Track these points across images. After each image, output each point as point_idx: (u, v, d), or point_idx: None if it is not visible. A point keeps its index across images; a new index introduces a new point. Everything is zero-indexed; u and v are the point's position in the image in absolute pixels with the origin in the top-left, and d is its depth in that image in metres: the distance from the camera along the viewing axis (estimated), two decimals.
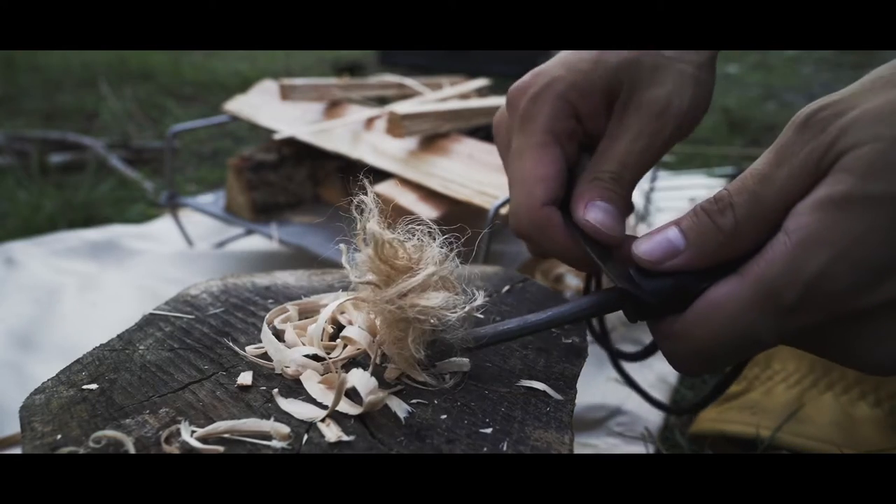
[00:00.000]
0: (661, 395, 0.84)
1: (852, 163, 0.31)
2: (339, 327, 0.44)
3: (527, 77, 0.46)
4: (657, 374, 0.88)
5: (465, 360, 0.41)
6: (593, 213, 0.42)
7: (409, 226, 0.39)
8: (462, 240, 0.39)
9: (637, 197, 1.46)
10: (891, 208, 0.30)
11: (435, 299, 0.36)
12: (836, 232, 0.31)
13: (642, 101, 0.44)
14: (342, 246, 0.39)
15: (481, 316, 0.47)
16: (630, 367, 0.88)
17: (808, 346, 0.36)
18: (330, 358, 0.40)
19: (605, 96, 0.45)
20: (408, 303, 0.36)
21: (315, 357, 0.40)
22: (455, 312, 0.37)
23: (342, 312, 0.45)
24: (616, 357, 0.66)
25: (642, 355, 0.61)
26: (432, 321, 0.37)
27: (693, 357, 0.37)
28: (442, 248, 0.38)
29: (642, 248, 0.38)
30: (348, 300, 0.43)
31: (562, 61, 0.45)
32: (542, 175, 0.44)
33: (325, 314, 0.42)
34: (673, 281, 0.37)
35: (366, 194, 0.38)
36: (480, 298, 0.39)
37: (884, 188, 0.30)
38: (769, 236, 0.34)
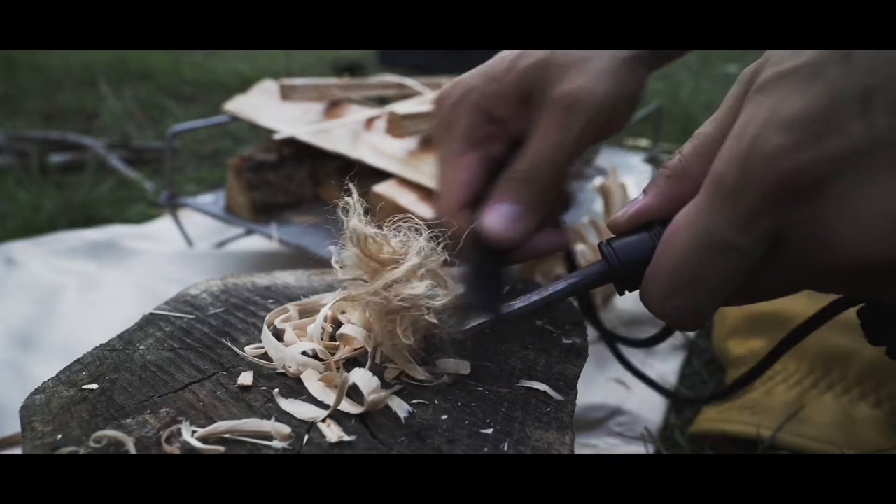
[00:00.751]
0: (660, 395, 0.84)
1: (769, 59, 0.32)
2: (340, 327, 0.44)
3: (447, 87, 0.49)
4: (657, 374, 0.88)
5: (466, 362, 0.41)
6: (489, 218, 0.45)
7: (397, 222, 0.39)
8: (449, 233, 0.40)
9: (635, 193, 1.46)
10: (800, 74, 0.30)
11: (419, 287, 0.37)
12: (758, 109, 0.31)
13: (552, 98, 0.44)
14: (331, 248, 0.40)
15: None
16: (628, 373, 0.89)
17: (795, 254, 0.33)
18: (331, 357, 0.40)
19: (518, 99, 0.46)
20: (392, 293, 0.37)
21: (315, 356, 0.40)
22: (440, 300, 0.38)
23: (342, 312, 0.45)
24: (611, 342, 0.66)
25: (647, 343, 0.60)
26: (419, 310, 0.37)
27: (670, 290, 0.35)
28: (428, 241, 0.39)
29: (613, 214, 0.40)
30: (339, 298, 0.43)
31: (481, 69, 0.48)
32: (459, 181, 0.47)
33: (323, 313, 0.42)
34: (646, 237, 0.37)
35: (351, 195, 0.39)
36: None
37: (791, 63, 0.31)
38: None
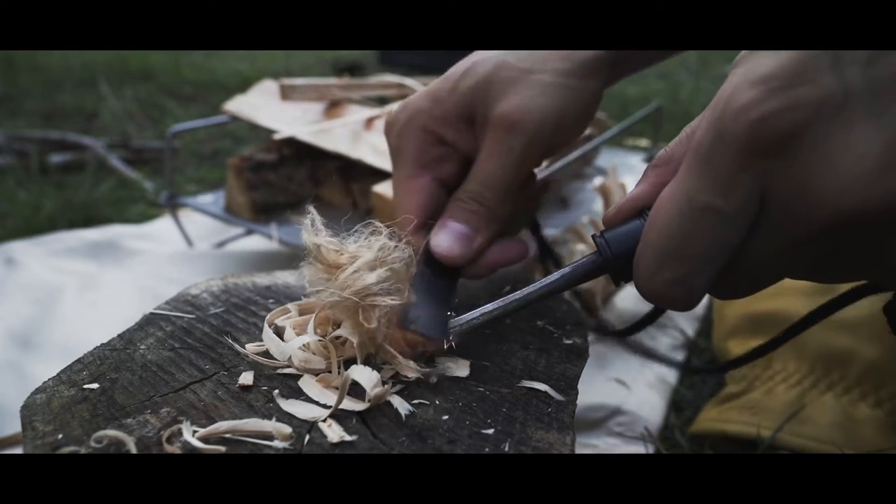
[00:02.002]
0: (660, 394, 0.84)
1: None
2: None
3: (395, 111, 0.49)
4: (657, 374, 0.88)
5: (466, 362, 0.41)
6: (438, 237, 0.45)
7: (358, 228, 0.40)
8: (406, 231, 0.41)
9: None
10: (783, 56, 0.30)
11: (369, 278, 0.38)
12: (734, 76, 0.31)
13: (492, 118, 0.44)
14: (301, 265, 0.41)
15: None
16: (629, 369, 0.88)
17: (781, 214, 0.31)
18: (333, 354, 0.40)
19: (463, 120, 0.47)
20: (346, 287, 0.38)
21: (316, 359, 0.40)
22: (394, 290, 0.38)
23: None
24: (609, 333, 0.65)
25: (632, 329, 0.59)
26: (374, 299, 0.38)
27: (656, 265, 0.34)
28: (389, 240, 0.40)
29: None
30: (301, 303, 0.45)
31: (427, 90, 0.48)
32: (413, 204, 0.47)
33: (312, 318, 0.43)
34: (638, 224, 0.38)
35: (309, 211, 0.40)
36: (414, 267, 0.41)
37: None
38: None
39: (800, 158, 0.30)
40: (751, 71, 0.30)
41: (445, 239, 0.45)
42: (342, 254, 0.39)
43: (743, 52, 0.33)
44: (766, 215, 0.32)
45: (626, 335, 0.63)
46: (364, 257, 0.39)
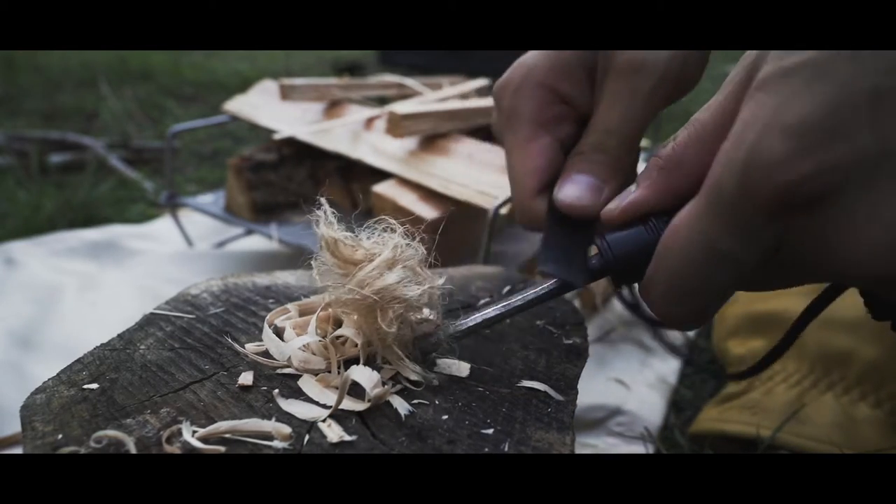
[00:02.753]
0: (660, 394, 0.84)
1: (772, 53, 0.31)
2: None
3: (508, 72, 0.46)
4: (657, 373, 0.88)
5: (466, 364, 0.41)
6: (564, 190, 0.42)
7: (371, 225, 0.40)
8: (422, 228, 0.41)
9: None
10: (805, 72, 0.29)
11: (389, 277, 0.37)
12: (759, 110, 0.30)
13: (617, 62, 0.41)
14: (312, 262, 0.40)
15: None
16: (628, 369, 0.88)
17: (795, 261, 0.32)
18: (333, 354, 0.40)
19: (585, 70, 0.44)
20: (366, 287, 0.37)
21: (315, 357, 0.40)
22: (415, 290, 0.38)
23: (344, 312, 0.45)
24: (653, 325, 0.65)
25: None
26: (395, 300, 0.38)
27: (670, 296, 0.35)
28: (404, 238, 0.39)
29: (606, 206, 0.39)
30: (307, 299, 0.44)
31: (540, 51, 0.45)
32: (531, 168, 0.44)
33: (315, 317, 0.43)
34: (642, 231, 0.37)
35: (322, 206, 0.39)
36: (441, 280, 0.41)
37: (795, 59, 0.29)
38: None
39: (825, 217, 0.29)
40: (782, 113, 0.29)
41: (573, 190, 0.42)
42: (357, 249, 0.39)
43: (770, 52, 0.31)
44: (781, 257, 0.32)
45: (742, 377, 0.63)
46: (383, 255, 0.38)
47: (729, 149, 0.31)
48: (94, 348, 0.42)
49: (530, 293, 0.40)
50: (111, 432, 0.33)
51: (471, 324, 0.40)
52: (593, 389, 0.83)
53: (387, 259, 0.38)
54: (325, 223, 0.39)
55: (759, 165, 0.29)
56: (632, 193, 0.38)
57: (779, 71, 0.30)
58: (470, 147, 0.98)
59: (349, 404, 0.36)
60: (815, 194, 0.29)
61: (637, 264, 0.37)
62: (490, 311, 0.40)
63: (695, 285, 0.33)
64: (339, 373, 0.39)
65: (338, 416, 0.36)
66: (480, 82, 1.40)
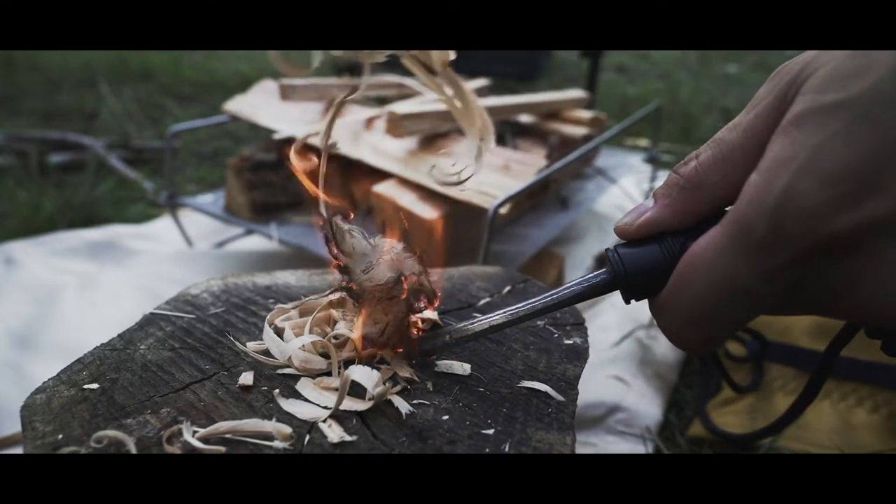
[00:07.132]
0: (660, 392, 0.84)
1: (809, 84, 0.29)
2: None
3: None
4: (656, 371, 0.88)
5: (468, 365, 0.41)
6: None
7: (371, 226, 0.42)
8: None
9: (638, 197, 1.46)
10: (846, 114, 0.28)
11: (397, 270, 0.39)
12: (794, 148, 0.29)
13: None
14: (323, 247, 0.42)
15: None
16: (627, 369, 0.88)
17: (814, 299, 0.32)
18: (333, 353, 0.40)
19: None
20: (362, 281, 0.39)
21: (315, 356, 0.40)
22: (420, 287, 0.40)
23: (341, 311, 0.45)
24: (733, 386, 0.63)
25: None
26: (388, 295, 0.39)
27: (686, 322, 0.34)
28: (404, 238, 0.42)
29: (621, 220, 0.38)
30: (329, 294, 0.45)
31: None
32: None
33: (316, 312, 0.43)
34: (656, 249, 0.36)
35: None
36: (435, 275, 0.43)
37: (835, 97, 0.28)
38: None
39: (852, 265, 0.29)
40: (819, 157, 0.28)
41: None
42: (367, 244, 0.40)
43: (806, 54, 0.30)
44: (801, 295, 0.32)
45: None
46: (390, 253, 0.39)
47: (760, 185, 0.30)
48: (95, 348, 0.42)
49: (537, 302, 0.39)
50: (112, 432, 0.33)
51: (470, 328, 0.40)
52: (592, 387, 0.83)
53: (393, 256, 0.40)
54: (336, 216, 0.41)
55: (793, 211, 0.28)
56: (649, 210, 0.37)
57: (818, 108, 0.29)
58: None
59: (350, 404, 0.36)
60: (848, 244, 0.28)
61: (648, 282, 0.36)
62: (497, 319, 0.40)
63: (711, 315, 0.33)
64: (339, 373, 0.39)
65: (338, 416, 0.36)
66: (480, 82, 1.40)
